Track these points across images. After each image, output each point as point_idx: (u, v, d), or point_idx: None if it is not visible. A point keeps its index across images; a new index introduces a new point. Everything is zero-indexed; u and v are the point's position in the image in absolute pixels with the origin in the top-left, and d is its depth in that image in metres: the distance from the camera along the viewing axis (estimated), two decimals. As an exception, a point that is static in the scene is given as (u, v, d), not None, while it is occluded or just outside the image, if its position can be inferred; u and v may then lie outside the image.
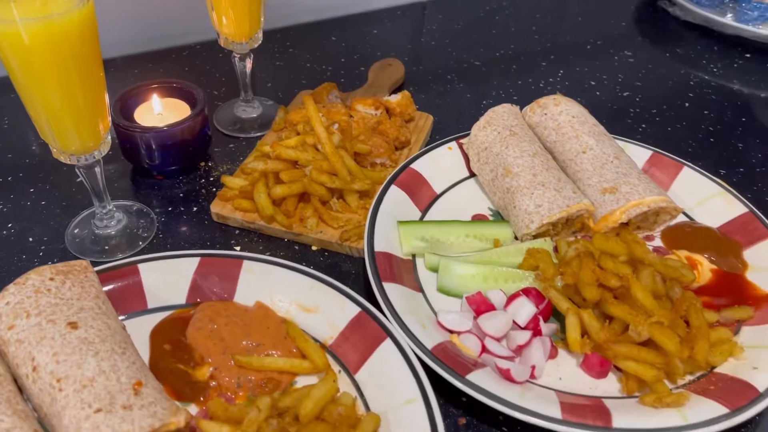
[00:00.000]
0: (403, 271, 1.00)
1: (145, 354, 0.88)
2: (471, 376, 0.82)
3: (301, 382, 0.85)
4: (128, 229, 1.09)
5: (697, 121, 1.40)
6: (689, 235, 1.08)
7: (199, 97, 1.19)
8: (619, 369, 0.87)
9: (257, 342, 0.88)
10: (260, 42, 1.26)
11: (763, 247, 1.02)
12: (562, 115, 1.17)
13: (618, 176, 1.07)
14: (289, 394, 0.80)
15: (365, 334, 0.87)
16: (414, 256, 1.03)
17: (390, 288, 0.93)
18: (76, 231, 1.08)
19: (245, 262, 0.96)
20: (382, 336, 0.86)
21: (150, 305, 0.93)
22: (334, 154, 1.07)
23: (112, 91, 1.15)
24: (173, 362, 0.86)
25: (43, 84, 0.86)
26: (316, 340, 0.90)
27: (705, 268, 1.02)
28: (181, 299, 0.94)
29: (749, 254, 1.03)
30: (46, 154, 1.22)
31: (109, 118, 0.98)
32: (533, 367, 0.86)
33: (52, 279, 0.84)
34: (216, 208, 1.11)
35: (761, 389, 0.82)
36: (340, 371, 0.87)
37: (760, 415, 0.86)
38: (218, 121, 1.33)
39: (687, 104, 1.45)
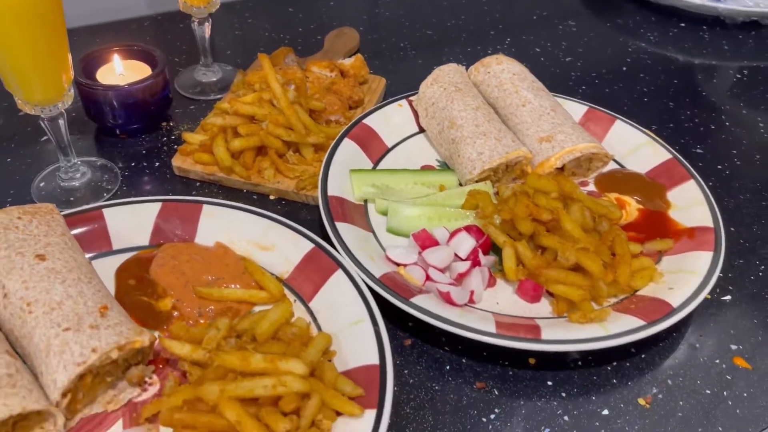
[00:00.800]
0: (355, 214, 1.07)
1: (110, 290, 0.93)
2: (415, 299, 0.89)
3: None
4: (93, 182, 1.14)
5: (632, 83, 1.49)
6: (619, 179, 1.17)
7: (159, 59, 1.24)
8: (551, 294, 0.96)
9: (217, 276, 0.94)
10: (218, 6, 1.31)
11: (685, 188, 1.12)
12: (503, 73, 1.25)
13: (554, 126, 1.15)
14: (246, 317, 0.87)
15: (318, 267, 0.94)
16: (366, 201, 1.10)
17: (342, 227, 1.00)
18: (41, 184, 1.13)
19: (205, 206, 1.02)
20: (333, 267, 0.93)
21: (115, 247, 0.99)
22: (290, 108, 1.13)
23: (74, 58, 1.20)
24: (137, 295, 0.92)
25: (8, 35, 0.91)
26: (273, 275, 0.96)
27: (633, 208, 1.11)
28: (145, 241, 1.00)
29: (672, 195, 1.12)
30: (11, 115, 1.27)
31: (72, 72, 1.02)
32: (472, 292, 0.93)
33: (19, 218, 0.89)
34: (177, 161, 1.16)
35: (675, 305, 0.91)
36: (295, 301, 0.93)
37: (675, 331, 0.96)
38: (179, 85, 1.38)
39: (624, 68, 1.55)
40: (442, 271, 0.97)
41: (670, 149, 1.18)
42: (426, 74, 1.35)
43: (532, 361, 0.91)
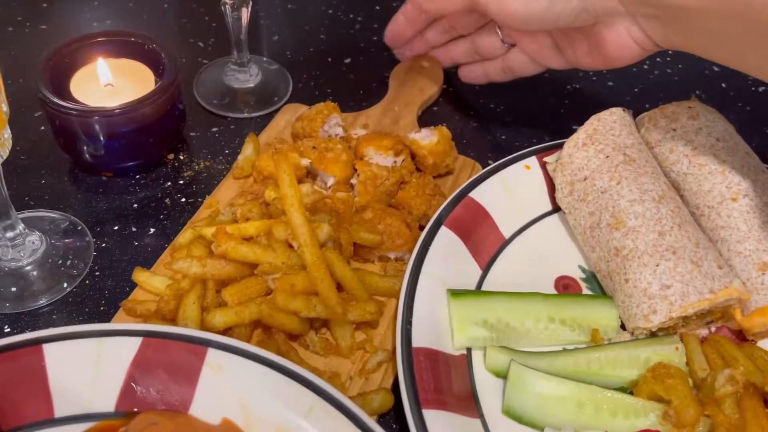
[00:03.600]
0: (453, 374, 0.65)
1: None
2: None
3: None
4: (49, 259, 0.74)
5: None
6: None
7: (167, 63, 0.81)
8: None
9: None
10: (263, -17, 0.87)
11: None
12: (700, 135, 0.79)
13: (788, 246, 0.70)
14: None
15: None
16: (469, 350, 0.68)
17: (434, 420, 0.59)
18: None
19: (211, 352, 0.62)
20: None
21: (58, 413, 0.61)
22: (318, 267, 0.64)
23: (39, 49, 0.79)
24: None
25: None
26: None
27: None
28: (108, 405, 0.61)
29: None
30: None
31: (4, 107, 0.61)
32: None
33: None
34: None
35: None
36: None
37: None
38: (199, 91, 0.95)
39: None
40: None
41: None
42: (554, 99, 0.90)
43: None
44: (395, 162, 0.80)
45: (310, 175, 0.81)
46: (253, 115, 0.93)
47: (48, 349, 0.61)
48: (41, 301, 0.71)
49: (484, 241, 0.76)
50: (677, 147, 0.79)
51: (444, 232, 0.74)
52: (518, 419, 0.64)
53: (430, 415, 0.59)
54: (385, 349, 0.68)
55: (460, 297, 0.69)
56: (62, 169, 0.84)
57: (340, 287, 0.67)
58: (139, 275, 0.70)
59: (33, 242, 0.74)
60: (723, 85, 1.08)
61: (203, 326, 0.64)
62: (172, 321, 0.66)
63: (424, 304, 0.67)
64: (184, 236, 0.74)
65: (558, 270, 0.77)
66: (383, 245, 0.73)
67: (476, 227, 0.76)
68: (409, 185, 0.79)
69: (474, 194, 0.78)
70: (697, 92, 1.04)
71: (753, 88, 1.08)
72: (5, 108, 0.61)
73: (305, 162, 0.78)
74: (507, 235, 0.78)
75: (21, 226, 0.72)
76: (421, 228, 0.76)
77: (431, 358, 0.64)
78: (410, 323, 0.65)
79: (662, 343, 0.67)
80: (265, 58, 1.01)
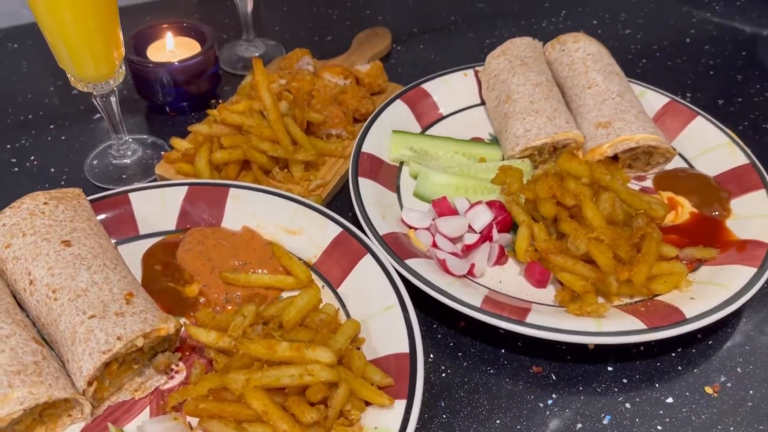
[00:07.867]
0: (385, 174, 1.07)
1: (137, 276, 0.91)
2: (410, 262, 0.89)
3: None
4: (143, 159, 1.17)
5: (697, 55, 1.40)
6: (681, 179, 1.07)
7: (209, 35, 1.24)
8: (561, 283, 0.91)
9: (244, 261, 0.93)
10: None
11: (753, 197, 1.00)
12: (578, 52, 1.18)
13: (615, 113, 1.07)
14: (273, 304, 0.85)
15: (346, 251, 0.91)
16: (401, 164, 1.10)
17: (364, 183, 1.01)
18: (95, 162, 1.16)
19: (231, 190, 0.99)
20: (362, 252, 0.90)
21: (141, 231, 0.98)
22: (277, 122, 1.03)
23: (125, 35, 1.09)
24: (164, 281, 0.91)
25: (61, 11, 0.92)
26: (301, 260, 0.94)
27: (685, 210, 1.02)
28: (171, 225, 0.98)
29: (737, 203, 1.01)
30: (64, 94, 1.32)
31: (123, 49, 1.03)
32: (472, 265, 0.91)
33: (46, 203, 0.88)
34: (160, 170, 1.10)
35: (687, 316, 0.83)
36: (323, 286, 0.91)
37: (746, 317, 0.91)
38: (223, 61, 1.39)
39: (688, 40, 1.45)
40: (452, 241, 0.95)
41: (750, 154, 1.06)
42: (477, 49, 1.29)
43: (591, 346, 0.86)
44: (345, 83, 1.21)
45: (286, 90, 1.18)
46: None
47: (132, 195, 0.98)
48: (137, 184, 1.02)
49: (427, 113, 1.18)
50: (563, 60, 1.19)
51: (398, 103, 1.16)
52: (421, 198, 1.04)
53: (363, 181, 1.02)
54: (322, 178, 1.06)
55: (399, 132, 1.11)
56: (143, 113, 1.27)
57: (295, 144, 1.06)
58: (174, 140, 1.10)
59: (134, 150, 1.17)
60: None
61: (211, 162, 1.04)
62: (191, 162, 1.06)
63: (375, 135, 1.10)
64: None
65: (474, 134, 1.17)
66: (326, 124, 1.13)
67: (422, 104, 1.18)
68: (348, 91, 1.19)
69: (424, 85, 1.20)
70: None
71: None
72: (123, 50, 1.03)
73: (282, 81, 1.18)
74: (444, 113, 1.20)
75: (127, 137, 1.16)
76: (357, 120, 1.17)
77: (372, 158, 1.06)
78: (363, 140, 1.08)
79: (516, 160, 1.06)
80: (264, 38, 1.45)
